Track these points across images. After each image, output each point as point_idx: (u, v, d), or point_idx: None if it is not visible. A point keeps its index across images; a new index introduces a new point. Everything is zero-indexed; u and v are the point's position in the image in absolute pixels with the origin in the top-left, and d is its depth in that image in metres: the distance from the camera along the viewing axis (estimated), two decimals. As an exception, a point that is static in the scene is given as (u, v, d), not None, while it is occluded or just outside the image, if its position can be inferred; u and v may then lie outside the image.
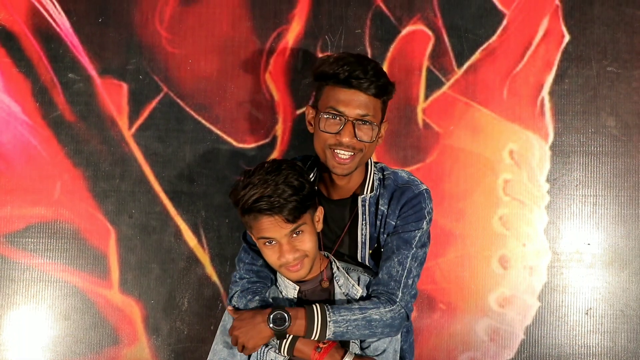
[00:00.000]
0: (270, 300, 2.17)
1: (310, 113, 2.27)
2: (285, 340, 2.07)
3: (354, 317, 2.07)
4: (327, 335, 2.05)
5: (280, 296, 2.17)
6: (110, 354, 2.81)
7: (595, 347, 2.79)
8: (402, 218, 2.21)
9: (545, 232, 2.81)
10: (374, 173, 2.28)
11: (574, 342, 2.80)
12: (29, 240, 2.82)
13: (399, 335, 2.21)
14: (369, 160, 2.29)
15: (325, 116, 2.17)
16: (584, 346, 2.79)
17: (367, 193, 2.26)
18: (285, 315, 2.03)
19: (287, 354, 2.09)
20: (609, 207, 2.81)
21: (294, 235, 2.05)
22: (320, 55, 2.81)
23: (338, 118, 2.16)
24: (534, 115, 2.82)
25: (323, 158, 2.22)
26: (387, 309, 2.11)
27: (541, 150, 2.82)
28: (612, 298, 2.80)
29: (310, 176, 2.29)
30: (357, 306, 2.09)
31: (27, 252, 2.82)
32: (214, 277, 2.82)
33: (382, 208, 2.24)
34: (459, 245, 2.81)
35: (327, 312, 2.05)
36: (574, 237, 2.81)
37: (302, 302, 2.14)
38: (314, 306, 2.07)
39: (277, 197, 1.98)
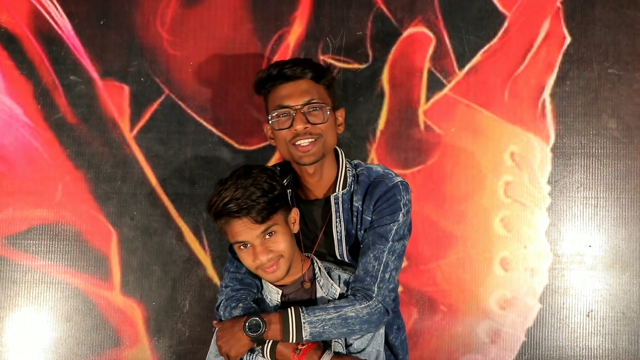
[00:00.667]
0: (255, 306, 2.18)
1: (268, 129, 2.28)
2: (265, 345, 2.09)
3: (329, 316, 2.07)
4: (303, 337, 2.06)
5: (266, 301, 2.19)
6: (112, 356, 2.82)
7: (597, 350, 2.79)
8: (377, 212, 2.21)
9: (547, 234, 2.81)
10: (347, 170, 2.29)
11: (575, 344, 2.80)
12: (31, 242, 2.82)
13: (382, 331, 2.22)
14: (340, 158, 2.29)
15: (274, 115, 2.20)
16: (585, 348, 2.79)
17: (339, 190, 2.26)
18: (260, 321, 2.05)
19: (270, 358, 2.10)
20: (611, 209, 2.81)
21: (267, 236, 2.07)
22: (321, 57, 2.81)
23: (287, 113, 2.18)
24: (535, 117, 2.82)
25: (289, 157, 2.24)
26: (362, 305, 2.10)
27: (542, 152, 2.82)
28: (613, 300, 2.80)
29: (285, 180, 2.31)
30: (332, 305, 2.10)
31: (29, 254, 2.82)
32: (215, 279, 2.82)
33: (356, 204, 2.24)
34: (460, 247, 2.81)
35: (302, 314, 2.06)
36: (575, 239, 2.81)
37: (287, 305, 2.15)
38: (288, 309, 2.08)
39: (245, 198, 2.02)
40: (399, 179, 2.24)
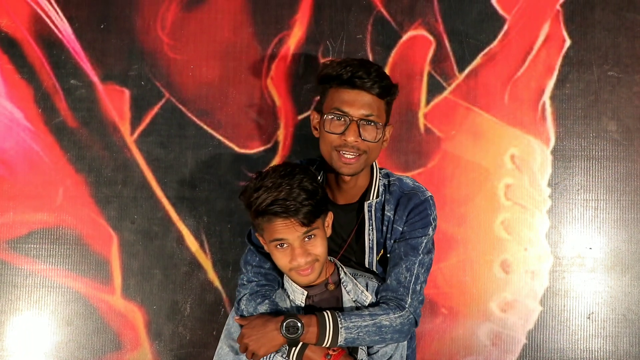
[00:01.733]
0: (278, 303, 2.16)
1: (315, 118, 2.27)
2: (295, 348, 2.07)
3: (365, 324, 2.07)
4: (338, 341, 2.05)
5: (288, 301, 2.17)
6: (113, 360, 2.82)
7: (598, 352, 2.79)
8: (409, 224, 2.22)
9: (547, 237, 2.81)
10: (379, 179, 2.29)
11: (576, 346, 2.80)
12: (32, 246, 2.82)
13: (405, 341, 2.21)
14: (374, 166, 2.30)
15: (329, 117, 2.18)
16: (586, 350, 2.79)
17: (373, 199, 2.26)
18: (299, 323, 2.03)
19: None
20: (611, 211, 2.81)
21: (307, 239, 2.05)
22: (322, 60, 2.82)
23: (342, 119, 2.17)
24: (535, 120, 2.82)
25: (329, 160, 2.22)
26: (396, 315, 2.11)
27: (542, 155, 2.82)
28: (614, 302, 2.80)
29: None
30: (367, 312, 2.10)
31: (30, 258, 2.82)
32: (216, 283, 2.82)
33: (388, 214, 2.24)
34: (461, 250, 2.81)
35: (339, 319, 2.05)
36: (576, 241, 2.81)
37: (310, 307, 2.13)
38: (325, 313, 2.06)
39: (292, 200, 1.99)
40: (429, 193, 2.26)
